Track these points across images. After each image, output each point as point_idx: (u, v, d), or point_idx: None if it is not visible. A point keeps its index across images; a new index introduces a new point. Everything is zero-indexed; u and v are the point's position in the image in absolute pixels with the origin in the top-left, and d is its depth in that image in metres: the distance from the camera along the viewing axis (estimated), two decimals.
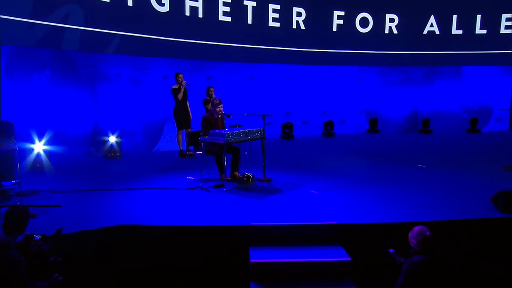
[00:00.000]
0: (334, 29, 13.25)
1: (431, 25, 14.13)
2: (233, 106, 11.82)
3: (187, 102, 8.98)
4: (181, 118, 8.84)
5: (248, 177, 6.58)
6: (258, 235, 4.65)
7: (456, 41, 14.27)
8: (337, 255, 4.34)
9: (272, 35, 12.44)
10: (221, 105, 6.91)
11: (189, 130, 8.76)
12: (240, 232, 4.65)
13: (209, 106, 8.44)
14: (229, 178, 6.80)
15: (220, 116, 6.93)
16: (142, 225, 4.69)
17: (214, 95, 9.21)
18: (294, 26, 12.73)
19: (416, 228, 3.67)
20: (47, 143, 7.84)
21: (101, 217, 4.91)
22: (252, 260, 4.27)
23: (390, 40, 13.90)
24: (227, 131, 6.29)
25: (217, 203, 5.56)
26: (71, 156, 8.53)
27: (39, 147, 7.69)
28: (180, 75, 8.73)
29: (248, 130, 6.52)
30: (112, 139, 9.05)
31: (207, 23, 11.37)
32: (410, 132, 13.98)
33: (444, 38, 14.22)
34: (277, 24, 12.45)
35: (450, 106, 14.57)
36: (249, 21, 12.04)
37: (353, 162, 8.41)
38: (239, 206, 5.43)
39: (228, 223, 4.75)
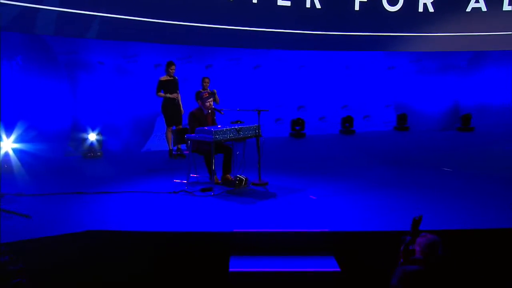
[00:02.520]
0: (357, 7, 13.45)
1: (476, 1, 14.15)
2: (236, 99, 12.20)
3: (179, 96, 9.44)
4: (171, 113, 9.34)
5: (241, 180, 7.00)
6: (241, 243, 5.07)
7: (508, 19, 14.19)
8: (326, 265, 4.74)
9: (282, 16, 12.73)
10: (211, 99, 7.35)
11: (180, 127, 9.22)
12: (220, 240, 5.08)
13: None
14: (219, 181, 7.24)
15: (210, 111, 7.38)
16: (112, 230, 5.16)
17: (209, 89, 9.66)
18: (308, 5, 12.99)
19: (431, 237, 3.95)
20: (17, 140, 8.35)
21: (69, 222, 5.41)
22: (231, 269, 4.70)
23: (425, 20, 13.98)
24: (216, 128, 6.73)
25: (201, 208, 6.01)
26: (45, 156, 9.01)
27: (7, 145, 8.19)
28: (172, 67, 9.25)
29: (240, 127, 6.95)
30: (92, 136, 9.58)
31: (206, 2, 11.73)
32: (448, 130, 14.15)
33: (493, 16, 14.19)
34: (288, 3, 12.75)
35: (500, 99, 14.62)
36: (254, 0, 12.39)
37: (367, 165, 8.78)
38: (224, 211, 5.87)
39: (209, 229, 5.19)
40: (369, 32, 13.63)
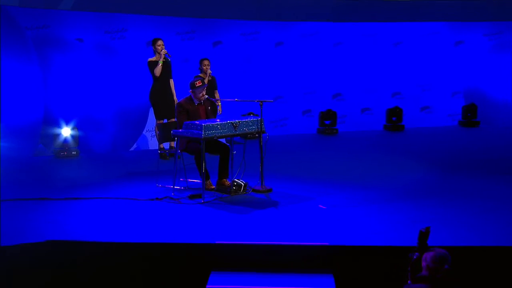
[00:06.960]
0: None
1: None
2: (252, 85, 12.90)
3: (171, 81, 10.28)
4: (162, 103, 10.14)
5: (239, 185, 7.78)
6: (224, 257, 5.87)
7: None
8: (320, 284, 5.50)
9: None
10: (204, 88, 8.14)
11: (173, 120, 9.99)
12: (200, 252, 5.89)
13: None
14: (213, 187, 8.05)
15: (202, 102, 8.19)
16: (77, 241, 6.04)
17: (211, 74, 10.43)
18: None
19: (438, 251, 4.66)
20: None
21: (28, 231, 6.28)
22: (208, 286, 5.53)
23: None
24: (206, 121, 7.51)
25: (185, 217, 6.86)
26: (10, 156, 9.82)
27: None
28: (159, 42, 10.04)
29: (238, 121, 7.72)
30: (66, 131, 10.49)
31: None
32: None
33: None
34: None
35: None
36: None
37: (406, 170, 9.42)
38: (211, 221, 6.70)
39: (188, 240, 6.02)
40: None
